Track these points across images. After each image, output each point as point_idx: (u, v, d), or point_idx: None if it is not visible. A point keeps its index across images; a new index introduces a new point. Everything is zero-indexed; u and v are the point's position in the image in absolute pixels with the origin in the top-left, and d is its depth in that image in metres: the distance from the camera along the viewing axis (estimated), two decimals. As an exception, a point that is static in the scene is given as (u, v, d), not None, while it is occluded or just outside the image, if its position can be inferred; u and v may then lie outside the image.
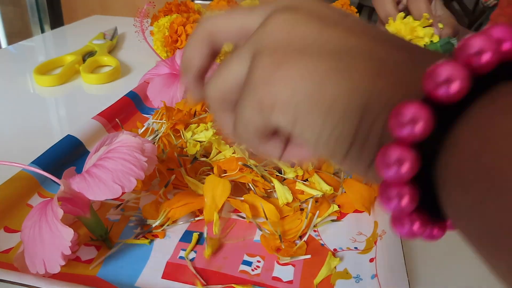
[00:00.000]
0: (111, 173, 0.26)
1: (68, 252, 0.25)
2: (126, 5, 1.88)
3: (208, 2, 0.82)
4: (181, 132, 0.42)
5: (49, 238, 0.25)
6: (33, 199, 0.36)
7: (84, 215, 0.30)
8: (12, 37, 1.82)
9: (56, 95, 0.60)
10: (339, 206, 0.36)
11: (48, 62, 0.67)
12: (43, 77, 0.62)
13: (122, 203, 0.36)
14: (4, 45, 1.81)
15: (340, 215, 0.36)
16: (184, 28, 0.66)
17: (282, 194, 0.35)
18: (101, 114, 0.47)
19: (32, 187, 0.36)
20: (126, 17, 1.06)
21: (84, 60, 0.70)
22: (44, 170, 0.37)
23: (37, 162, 0.37)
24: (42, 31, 1.86)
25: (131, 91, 0.54)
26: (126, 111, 0.51)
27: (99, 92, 0.61)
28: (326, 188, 0.37)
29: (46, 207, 0.27)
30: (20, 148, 0.45)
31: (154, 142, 0.42)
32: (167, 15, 0.72)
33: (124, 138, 0.28)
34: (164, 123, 0.43)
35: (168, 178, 0.36)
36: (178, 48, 0.65)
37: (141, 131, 0.44)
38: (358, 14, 0.77)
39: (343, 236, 0.34)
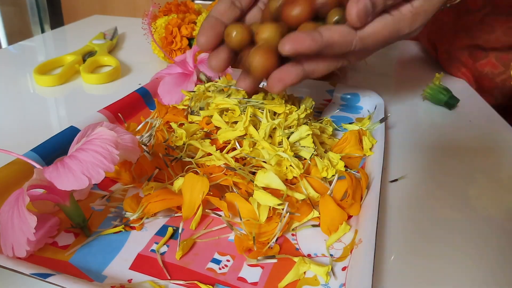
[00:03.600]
0: (81, 164, 0.27)
1: (32, 238, 0.26)
2: (126, 5, 1.90)
3: (208, 2, 0.82)
4: (173, 128, 0.42)
5: (18, 224, 0.27)
6: (28, 185, 0.38)
7: (64, 203, 0.31)
8: (12, 37, 1.85)
9: (56, 95, 0.61)
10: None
11: (48, 62, 0.68)
12: (43, 77, 0.63)
13: (108, 194, 0.37)
14: (4, 45, 1.83)
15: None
16: (178, 29, 0.65)
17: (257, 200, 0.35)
18: (107, 108, 0.49)
19: (29, 173, 0.38)
20: (126, 17, 1.07)
21: (84, 60, 0.71)
22: (43, 158, 0.39)
23: (37, 150, 0.39)
24: (42, 31, 1.89)
25: (142, 87, 0.56)
26: (133, 107, 0.52)
27: (99, 92, 0.62)
28: (312, 193, 0.36)
29: (21, 193, 0.28)
30: (19, 148, 0.44)
31: (151, 137, 0.43)
32: (166, 15, 0.72)
33: (100, 130, 0.29)
34: (158, 119, 0.44)
35: (156, 176, 0.37)
36: (173, 49, 0.66)
37: (139, 126, 0.45)
38: None
39: (321, 242, 0.33)
